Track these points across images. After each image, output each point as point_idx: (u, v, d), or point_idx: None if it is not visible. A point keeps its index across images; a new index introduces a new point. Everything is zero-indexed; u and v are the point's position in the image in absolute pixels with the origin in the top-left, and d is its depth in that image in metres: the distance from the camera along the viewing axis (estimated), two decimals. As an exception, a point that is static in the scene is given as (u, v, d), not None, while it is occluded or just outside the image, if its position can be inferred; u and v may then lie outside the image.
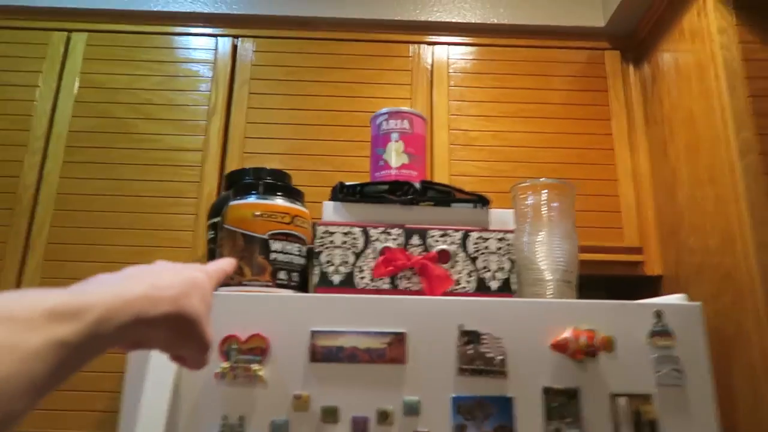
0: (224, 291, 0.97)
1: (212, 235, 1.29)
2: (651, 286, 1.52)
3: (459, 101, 1.62)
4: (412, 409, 0.88)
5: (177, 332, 0.44)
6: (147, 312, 0.40)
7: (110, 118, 1.59)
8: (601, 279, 1.52)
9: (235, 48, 1.67)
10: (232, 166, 1.54)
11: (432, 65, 1.66)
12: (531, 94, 1.63)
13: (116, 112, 1.59)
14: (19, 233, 1.48)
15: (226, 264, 0.57)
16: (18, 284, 1.43)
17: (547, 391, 0.88)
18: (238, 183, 1.17)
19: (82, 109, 1.59)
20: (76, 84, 1.61)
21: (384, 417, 0.87)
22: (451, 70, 1.65)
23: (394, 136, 1.17)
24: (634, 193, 1.55)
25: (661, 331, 0.89)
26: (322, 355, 0.90)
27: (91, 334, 0.35)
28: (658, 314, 0.90)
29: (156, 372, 0.88)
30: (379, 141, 1.20)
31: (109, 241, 1.49)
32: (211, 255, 1.29)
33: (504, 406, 0.87)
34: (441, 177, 1.52)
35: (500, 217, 1.08)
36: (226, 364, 0.89)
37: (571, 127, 1.60)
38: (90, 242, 1.48)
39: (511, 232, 1.06)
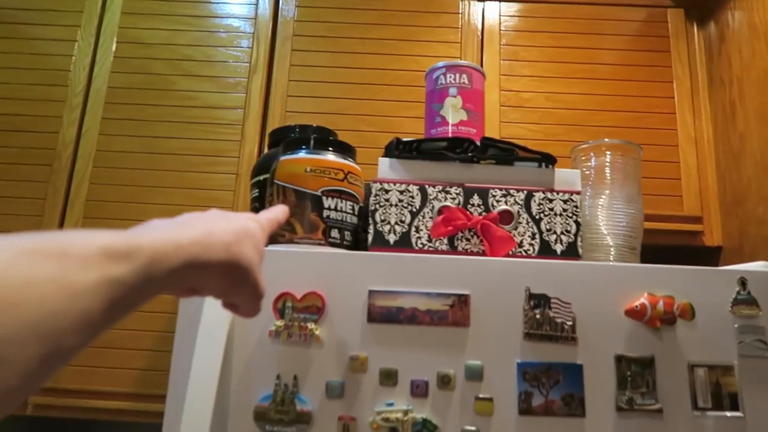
0: (277, 248, 0.93)
1: (256, 194, 1.25)
2: (709, 258, 1.45)
3: (510, 61, 1.54)
4: (474, 374, 0.83)
5: (230, 279, 0.44)
6: (199, 257, 0.40)
7: (148, 74, 1.55)
8: (656, 249, 1.45)
9: (276, 3, 1.60)
10: (273, 124, 1.50)
11: (482, 23, 1.58)
12: (586, 54, 1.55)
13: (155, 68, 1.55)
14: (58, 190, 1.46)
15: (278, 213, 0.57)
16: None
17: (620, 359, 0.82)
18: (282, 140, 1.13)
19: (121, 65, 1.55)
20: (114, 39, 1.57)
21: (445, 381, 0.83)
22: (502, 28, 1.57)
23: (452, 90, 1.11)
24: (695, 159, 1.47)
25: (745, 300, 0.83)
26: (380, 315, 0.86)
27: (144, 275, 0.35)
28: (743, 282, 0.84)
29: (207, 329, 0.84)
30: (435, 96, 1.13)
31: (147, 200, 1.46)
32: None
33: (573, 373, 0.82)
34: (491, 139, 1.45)
35: (567, 177, 1.01)
36: (280, 322, 0.85)
37: (628, 90, 1.52)
38: (128, 200, 1.45)
39: (578, 193, 0.99)
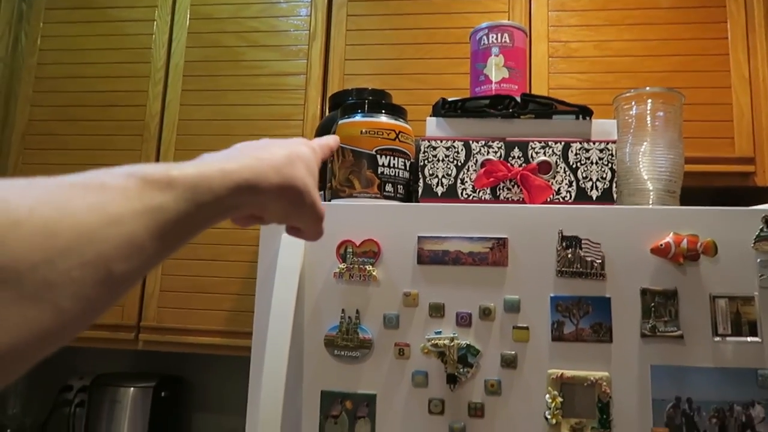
0: (337, 202, 1.06)
1: (320, 154, 1.38)
2: (762, 198, 1.46)
3: (559, 11, 1.57)
4: (512, 307, 0.95)
5: (288, 203, 0.45)
6: (249, 181, 0.41)
7: (220, 47, 1.69)
8: (709, 190, 1.48)
9: (331, -30, 1.69)
10: (333, 88, 1.61)
11: (530, -26, 1.61)
12: (635, 0, 1.55)
13: (225, 41, 1.69)
14: (149, 158, 1.65)
15: (330, 140, 0.58)
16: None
17: (645, 292, 0.91)
18: (341, 104, 1.24)
19: (195, 40, 1.70)
20: (188, 16, 1.72)
21: (486, 313, 0.95)
22: (550, -21, 1.59)
23: (495, 50, 1.19)
24: (749, 100, 1.47)
25: (767, 236, 0.89)
26: (428, 258, 0.98)
27: (189, 202, 0.36)
28: (766, 220, 0.90)
29: (283, 274, 1.00)
30: (479, 56, 1.21)
31: (226, 163, 1.62)
32: (321, 172, 1.39)
33: (601, 305, 0.92)
34: (539, 91, 1.51)
35: (603, 127, 1.08)
36: (342, 265, 1.00)
37: (680, 33, 1.52)
38: (210, 164, 1.63)
39: (614, 142, 1.06)
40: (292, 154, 0.46)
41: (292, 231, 0.51)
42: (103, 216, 0.31)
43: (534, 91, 1.51)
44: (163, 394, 1.65)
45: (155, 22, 1.73)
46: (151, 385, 1.64)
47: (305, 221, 0.48)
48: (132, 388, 1.62)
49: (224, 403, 1.83)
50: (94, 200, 0.31)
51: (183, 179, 0.36)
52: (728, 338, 0.88)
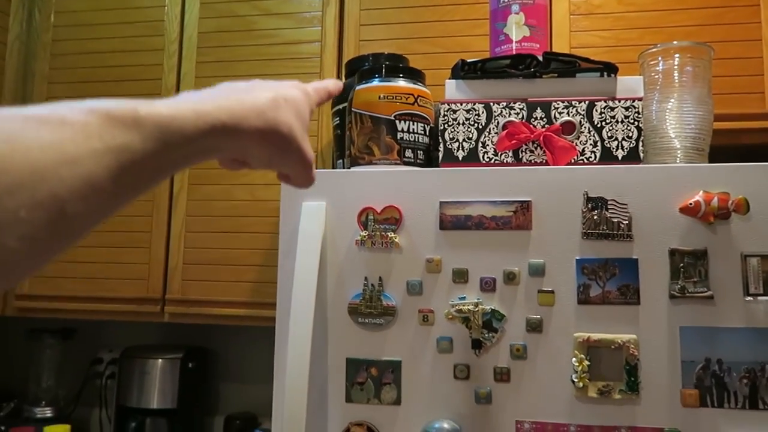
0: (357, 169, 1.05)
1: (337, 122, 1.37)
2: (794, 155, 1.42)
3: (580, -34, 1.52)
4: (537, 271, 0.93)
5: (272, 147, 0.43)
6: (226, 124, 0.38)
7: (233, 17, 1.67)
8: (739, 148, 1.43)
9: (343, -68, 1.65)
10: (349, 54, 1.58)
11: (549, -72, 1.55)
12: (662, -50, 1.49)
13: (238, 10, 1.67)
14: (167, 131, 1.65)
15: (329, 83, 0.54)
16: (170, 189, 1.62)
17: (674, 253, 0.89)
18: (358, 70, 1.22)
19: (207, 11, 1.68)
20: (200, -15, 1.69)
21: (510, 277, 0.94)
22: (570, -68, 1.53)
23: (515, 8, 1.15)
24: (780, 53, 1.41)
25: (803, 192, 0.86)
26: (450, 223, 0.97)
27: (157, 142, 0.34)
28: (801, 175, 0.86)
29: (305, 242, 0.99)
30: (499, 15, 1.18)
31: (244, 134, 1.62)
32: (338, 141, 1.37)
33: (629, 267, 0.90)
34: (561, 50, 1.46)
35: (629, 84, 1.05)
36: (364, 233, 0.99)
37: (708, -16, 1.46)
38: (228, 136, 1.62)
39: (640, 99, 1.03)
40: (279, 97, 0.43)
41: (282, 177, 0.49)
42: (59, 153, 0.29)
43: (555, 51, 1.46)
44: (190, 365, 1.68)
45: (167, -6, 1.71)
46: (179, 357, 1.67)
47: (292, 167, 0.46)
48: (160, 360, 1.65)
49: (250, 374, 1.86)
50: (50, 136, 0.29)
51: (151, 118, 0.34)
52: (760, 298, 0.86)
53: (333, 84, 0.54)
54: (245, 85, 0.44)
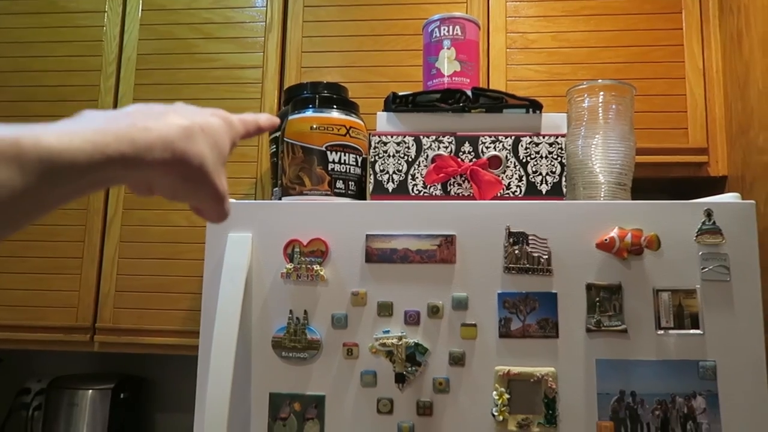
0: (285, 200, 1.05)
1: (274, 149, 1.36)
2: (715, 187, 1.48)
3: (516, 2, 1.56)
4: (460, 304, 0.94)
5: (180, 179, 0.40)
6: (126, 156, 0.35)
7: (173, 40, 1.65)
8: (664, 181, 1.49)
9: (287, -40, 1.66)
10: (290, 81, 1.59)
11: (487, -35, 1.59)
12: (593, -10, 1.55)
13: (178, 33, 1.65)
14: (103, 153, 1.61)
15: (262, 118, 0.51)
16: (104, 214, 1.58)
17: (590, 287, 0.91)
18: (295, 97, 1.22)
19: (147, 32, 1.66)
20: (140, 7, 1.67)
21: (434, 311, 0.94)
22: (507, -31, 1.58)
23: (446, 43, 1.17)
24: (702, 91, 1.48)
25: (709, 230, 0.90)
26: (376, 256, 0.97)
27: (42, 176, 0.32)
28: (708, 213, 0.90)
29: (229, 273, 0.98)
30: (431, 49, 1.20)
31: (182, 158, 1.59)
32: (274, 168, 1.37)
33: (548, 300, 0.92)
34: (497, 83, 1.50)
35: (553, 121, 1.08)
36: (290, 265, 0.98)
37: (636, 24, 1.52)
38: (166, 159, 1.59)
39: (563, 135, 1.06)
40: (194, 126, 0.40)
41: (195, 210, 0.45)
42: None
43: (492, 84, 1.50)
44: (122, 395, 1.63)
45: (106, 14, 1.68)
46: (110, 387, 1.61)
47: (202, 200, 0.43)
48: (90, 390, 1.59)
49: (187, 402, 1.81)
50: None
51: (36, 151, 0.31)
52: (671, 331, 0.89)
53: (265, 119, 0.51)
54: (161, 108, 0.41)
